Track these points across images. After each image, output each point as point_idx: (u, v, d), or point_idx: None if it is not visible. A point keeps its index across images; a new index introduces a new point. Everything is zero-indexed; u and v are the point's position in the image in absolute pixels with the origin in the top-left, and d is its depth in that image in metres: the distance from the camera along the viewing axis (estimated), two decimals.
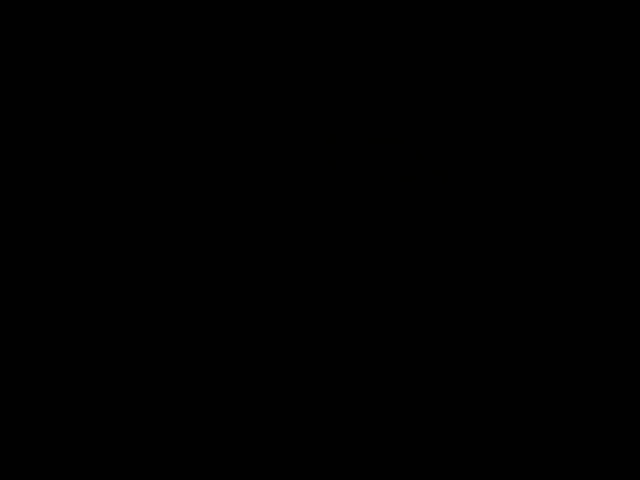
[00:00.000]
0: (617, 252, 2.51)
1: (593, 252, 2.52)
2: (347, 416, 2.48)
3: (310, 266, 2.52)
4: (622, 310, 2.49)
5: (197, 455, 2.46)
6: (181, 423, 2.47)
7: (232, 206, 2.54)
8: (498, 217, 2.53)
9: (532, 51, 2.56)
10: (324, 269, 2.52)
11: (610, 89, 2.56)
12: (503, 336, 2.50)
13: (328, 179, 2.54)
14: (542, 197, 2.53)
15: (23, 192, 2.54)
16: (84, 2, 2.57)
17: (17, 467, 2.44)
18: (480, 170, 2.54)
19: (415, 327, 2.50)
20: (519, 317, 2.50)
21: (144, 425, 2.47)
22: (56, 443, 2.46)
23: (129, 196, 2.54)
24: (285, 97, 2.57)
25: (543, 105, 2.56)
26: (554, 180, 2.54)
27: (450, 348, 2.50)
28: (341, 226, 2.53)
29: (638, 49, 2.55)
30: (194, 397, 2.48)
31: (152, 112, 2.56)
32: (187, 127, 2.56)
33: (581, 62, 2.56)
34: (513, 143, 2.55)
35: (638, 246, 2.51)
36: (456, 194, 2.53)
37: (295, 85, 2.57)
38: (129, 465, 2.45)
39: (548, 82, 2.56)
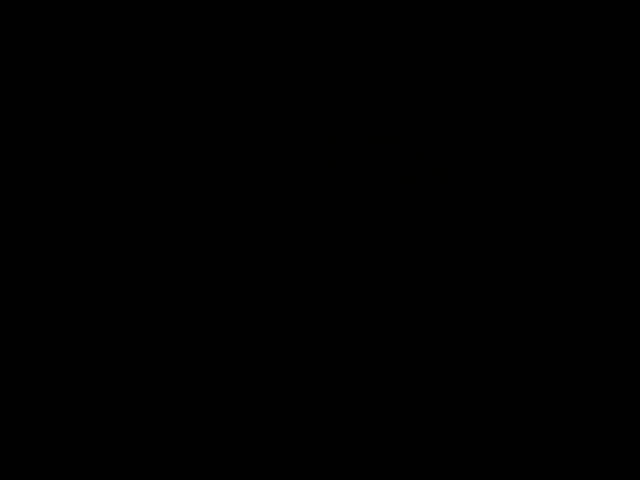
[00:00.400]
0: (617, 252, 2.52)
1: (593, 252, 2.52)
2: (347, 416, 2.48)
3: (310, 266, 2.52)
4: (622, 310, 2.49)
5: (197, 455, 2.46)
6: (181, 423, 2.47)
7: (231, 206, 2.54)
8: (498, 217, 2.53)
9: (532, 51, 2.57)
10: (324, 269, 2.52)
11: (610, 89, 2.56)
12: (503, 336, 2.50)
13: (328, 179, 2.54)
14: (542, 197, 2.54)
15: (23, 192, 2.54)
16: (84, 2, 2.58)
17: (17, 467, 2.44)
18: (480, 170, 2.55)
19: (415, 327, 2.50)
20: (519, 316, 2.50)
21: (144, 425, 2.47)
22: (56, 443, 2.46)
23: (128, 196, 2.54)
24: (285, 97, 2.57)
25: (543, 105, 2.56)
26: (554, 180, 2.54)
27: (450, 348, 2.50)
28: (341, 226, 2.53)
29: (638, 49, 2.56)
30: (194, 397, 2.49)
31: (152, 112, 2.57)
32: (187, 127, 2.57)
33: (581, 62, 2.57)
34: (513, 143, 2.56)
35: (638, 246, 2.51)
36: (456, 194, 2.54)
37: (295, 85, 2.58)
38: (129, 465, 2.46)
39: (548, 82, 2.56)
